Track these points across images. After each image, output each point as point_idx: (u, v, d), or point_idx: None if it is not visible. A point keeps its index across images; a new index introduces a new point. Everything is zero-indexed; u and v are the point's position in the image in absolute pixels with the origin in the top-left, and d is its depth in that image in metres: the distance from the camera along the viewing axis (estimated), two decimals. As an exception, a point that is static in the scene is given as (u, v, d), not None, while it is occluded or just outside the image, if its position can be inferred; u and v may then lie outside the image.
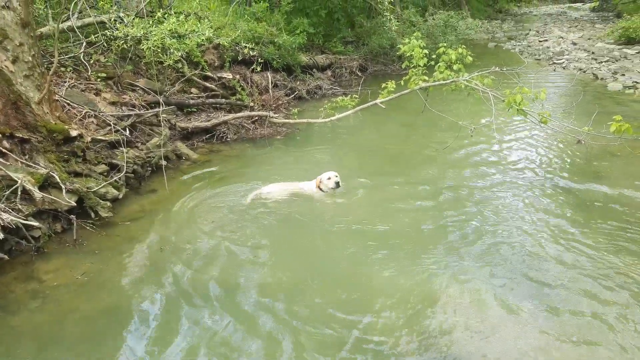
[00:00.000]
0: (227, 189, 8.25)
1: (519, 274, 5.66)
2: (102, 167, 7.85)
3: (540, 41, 27.32)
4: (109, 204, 7.16)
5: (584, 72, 18.72)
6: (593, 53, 21.56)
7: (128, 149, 8.55)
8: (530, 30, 32.25)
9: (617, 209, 7.16)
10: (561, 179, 8.51)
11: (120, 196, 7.52)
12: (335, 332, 4.72)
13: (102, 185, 7.25)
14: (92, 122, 8.67)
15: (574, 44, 25.01)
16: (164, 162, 8.76)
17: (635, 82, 15.82)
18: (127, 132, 9.03)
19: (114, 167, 8.04)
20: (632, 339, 4.55)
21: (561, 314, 4.92)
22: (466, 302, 5.20)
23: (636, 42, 21.75)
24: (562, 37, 27.67)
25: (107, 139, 8.29)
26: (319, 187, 7.46)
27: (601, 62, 19.65)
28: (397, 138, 11.34)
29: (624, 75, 16.98)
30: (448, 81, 8.96)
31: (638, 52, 20.15)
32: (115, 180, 7.63)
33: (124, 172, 7.82)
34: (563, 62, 20.71)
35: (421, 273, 5.71)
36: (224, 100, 12.23)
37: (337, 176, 7.32)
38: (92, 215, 6.95)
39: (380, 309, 5.11)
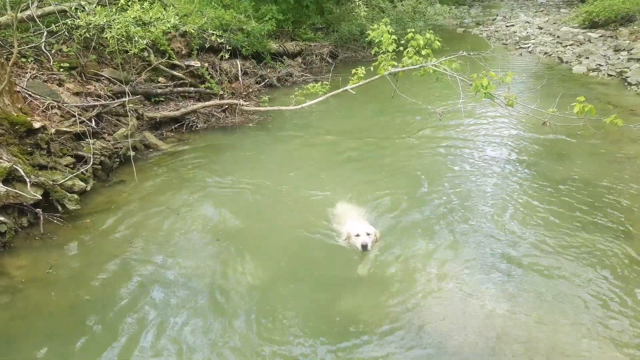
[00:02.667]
0: (197, 179, 8.16)
1: (485, 249, 5.85)
2: (68, 159, 7.67)
3: (507, 26, 27.65)
4: (76, 196, 7.00)
5: (550, 55, 19.08)
6: (558, 37, 21.95)
7: (94, 140, 8.36)
8: (497, 15, 32.62)
9: (580, 188, 7.38)
10: (527, 159, 8.73)
11: (88, 188, 7.37)
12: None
13: (68, 177, 7.08)
14: (56, 113, 8.42)
15: (540, 28, 25.40)
16: (132, 153, 8.60)
17: (599, 64, 16.21)
18: (93, 123, 8.82)
19: (80, 159, 7.86)
20: (592, 310, 4.71)
21: (522, 289, 5.07)
22: (433, 275, 5.40)
23: (599, 25, 22.24)
24: (528, 22, 28.06)
25: (72, 130, 8.09)
26: (347, 238, 5.79)
27: (566, 45, 20.04)
28: (369, 124, 11.38)
29: (587, 58, 17.37)
30: (417, 66, 9.00)
31: (601, 36, 20.60)
32: (82, 173, 7.46)
33: (91, 163, 7.65)
34: (529, 47, 21.04)
35: (390, 250, 5.87)
36: (192, 88, 12.02)
37: (368, 234, 5.55)
38: (59, 208, 6.80)
39: (355, 285, 5.19)
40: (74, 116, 8.44)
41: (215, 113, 11.56)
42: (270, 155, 9.27)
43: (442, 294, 5.09)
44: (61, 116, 8.44)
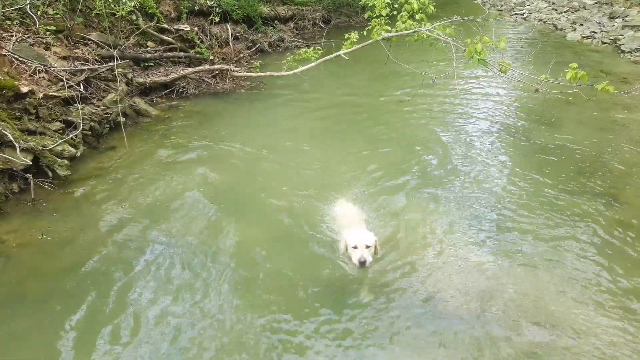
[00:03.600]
0: (188, 145, 8.12)
1: (475, 212, 5.94)
2: (57, 125, 7.57)
3: (502, -9, 27.23)
4: (66, 162, 6.95)
5: (544, 22, 18.90)
6: (553, 3, 21.70)
7: (83, 105, 8.24)
8: (492, -20, 32.07)
9: (569, 154, 7.45)
10: (519, 126, 8.76)
11: (78, 154, 7.31)
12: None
13: (58, 143, 7.01)
14: (43, 77, 8.26)
15: (535, -6, 25.06)
16: (122, 119, 8.51)
17: (593, 32, 16.10)
18: (81, 87, 8.67)
19: (69, 125, 7.76)
20: (575, 269, 4.82)
21: (510, 250, 5.16)
22: (422, 237, 5.50)
23: (594, -8, 21.96)
24: (523, -12, 27.64)
25: (60, 95, 7.96)
26: (343, 251, 4.89)
27: (561, 12, 19.85)
28: (362, 91, 11.30)
29: (582, 25, 17.24)
30: (410, 31, 8.89)
31: (596, 3, 20.38)
32: (71, 138, 7.39)
33: (81, 129, 7.57)
34: (524, 13, 20.82)
35: (384, 209, 6.02)
36: (182, 53, 11.82)
37: (368, 246, 4.59)
38: (50, 174, 6.75)
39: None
40: (62, 80, 8.30)
41: (205, 79, 11.41)
42: (262, 122, 9.21)
43: (430, 255, 5.16)
44: (49, 80, 8.28)
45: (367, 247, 4.55)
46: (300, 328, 4.22)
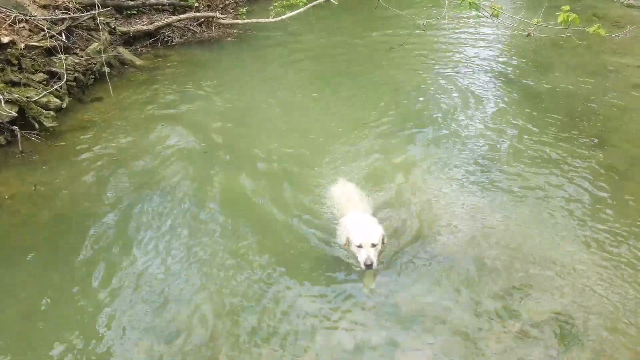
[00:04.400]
0: (176, 95, 8.01)
1: (466, 155, 6.01)
2: (41, 76, 7.40)
3: None
4: (52, 113, 6.84)
5: (537, -36, 18.43)
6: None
7: (66, 55, 8.04)
8: None
9: (559, 99, 7.45)
10: (510, 70, 8.71)
11: (64, 105, 7.19)
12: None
13: (42, 94, 6.88)
14: (24, 27, 8.02)
15: None
16: (107, 69, 8.32)
17: (586, -26, 15.75)
18: (63, 37, 8.44)
19: (53, 76, 7.59)
20: (563, 210, 4.92)
21: (501, 193, 5.25)
22: (415, 179, 5.57)
23: None
24: None
25: (42, 45, 7.75)
26: (345, 247, 4.26)
27: (554, -46, 19.32)
28: (352, 36, 11.09)
29: (575, -33, 16.84)
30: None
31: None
32: (56, 89, 7.25)
33: (65, 80, 7.41)
34: (517, -45, 20.25)
35: (376, 153, 6.11)
36: (166, 0, 11.45)
37: (374, 244, 3.97)
38: (36, 126, 6.65)
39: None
40: (43, 30, 8.06)
41: (191, 27, 11.13)
42: (250, 71, 9.07)
43: (422, 197, 5.22)
44: (30, 30, 8.04)
45: (374, 245, 3.93)
46: (291, 274, 4.28)
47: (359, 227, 4.03)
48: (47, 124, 6.68)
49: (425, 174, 5.67)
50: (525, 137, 6.37)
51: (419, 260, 4.33)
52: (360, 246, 3.93)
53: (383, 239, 4.09)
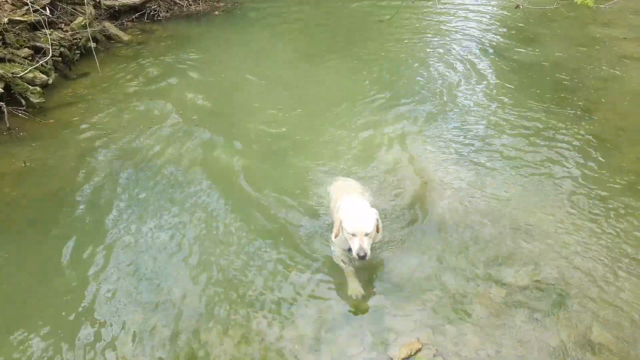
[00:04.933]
0: (164, 69, 7.94)
1: (459, 129, 6.05)
2: (26, 51, 7.30)
3: None
4: (38, 89, 6.77)
5: None
6: None
7: (51, 30, 7.92)
8: None
9: (547, 71, 7.50)
10: (499, 42, 8.73)
11: (50, 81, 7.11)
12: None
13: (28, 70, 6.79)
14: (6, 1, 7.87)
15: None
16: (92, 44, 8.22)
17: (576, -55, 15.64)
18: (47, 11, 8.29)
19: (38, 51, 7.49)
20: (550, 178, 5.01)
21: (488, 164, 5.33)
22: (403, 151, 5.64)
23: None
24: None
25: (26, 19, 7.62)
26: (337, 233, 3.87)
27: None
28: (339, 10, 10.99)
29: (565, -62, 16.71)
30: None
31: None
32: (42, 65, 7.15)
33: (50, 55, 7.31)
34: None
35: (366, 126, 6.15)
36: (151, -26, 11.23)
37: (367, 233, 3.61)
38: (23, 102, 6.59)
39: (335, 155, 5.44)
40: (27, 4, 7.90)
41: (177, 1, 10.95)
42: (239, 45, 8.98)
43: (413, 169, 5.28)
44: (12, 4, 7.89)
45: (367, 234, 3.60)
46: (280, 246, 4.33)
47: (353, 213, 3.71)
48: (34, 100, 6.62)
49: (414, 147, 5.72)
50: (513, 108, 6.43)
51: (409, 229, 4.42)
52: (353, 234, 3.61)
53: (378, 225, 3.73)
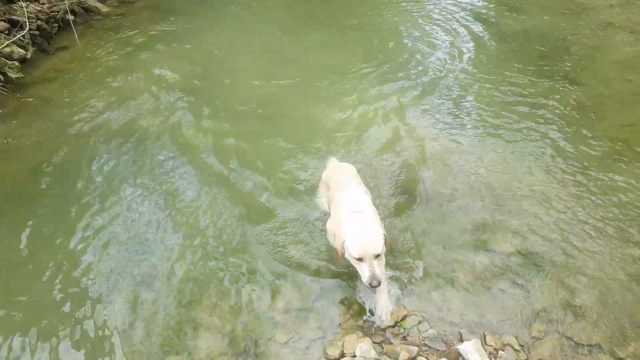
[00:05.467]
0: (145, 40, 7.77)
1: (445, 98, 6.06)
2: (2, 25, 7.08)
3: None
4: (17, 64, 6.61)
5: None
6: None
7: (27, 3, 7.68)
8: None
9: (533, 39, 7.47)
10: (486, 11, 8.66)
11: (29, 55, 6.93)
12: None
13: (5, 44, 6.61)
14: (-22, -27, 7.60)
15: None
16: (71, 17, 8.00)
17: None
18: (22, -17, 8.02)
19: (15, 25, 7.27)
20: (533, 144, 5.05)
21: (473, 131, 5.36)
22: (392, 116, 5.67)
23: None
24: None
25: (-1, -9, 7.37)
26: (341, 253, 3.20)
27: None
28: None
29: None
30: None
31: None
32: (19, 39, 6.96)
33: (27, 29, 7.12)
34: None
35: (356, 96, 6.14)
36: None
37: (377, 255, 3.02)
38: (1, 77, 6.42)
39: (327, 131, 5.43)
40: (0, -25, 7.64)
41: (157, -29, 10.64)
42: (223, 16, 8.80)
43: (401, 134, 5.31)
44: (-16, -24, 7.62)
45: (377, 256, 3.00)
46: (265, 220, 4.35)
47: (357, 233, 3.08)
48: (12, 75, 6.46)
49: (401, 116, 5.71)
50: (498, 77, 6.43)
51: (394, 197, 4.45)
52: (360, 259, 3.01)
53: (386, 240, 3.12)
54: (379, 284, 2.95)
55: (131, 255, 3.98)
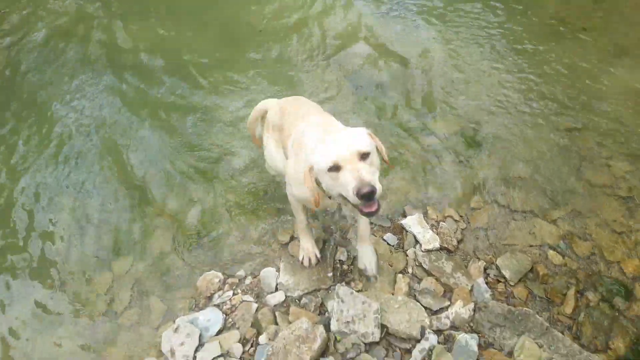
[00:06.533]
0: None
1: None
2: None
3: None
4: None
5: None
6: None
7: None
8: None
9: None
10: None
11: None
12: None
13: None
14: None
15: None
16: None
17: None
18: None
19: None
20: (479, 36, 5.03)
21: (412, 14, 5.32)
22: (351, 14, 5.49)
23: None
24: None
25: None
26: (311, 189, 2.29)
27: None
28: None
29: None
30: None
31: None
32: None
33: None
34: None
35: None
36: None
37: (363, 154, 2.09)
38: None
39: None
40: None
41: None
42: None
43: (361, 29, 5.24)
44: None
45: (364, 156, 2.10)
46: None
47: (329, 138, 2.23)
48: None
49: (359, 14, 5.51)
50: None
51: (352, 87, 4.49)
52: (337, 167, 2.09)
53: (379, 147, 2.29)
54: (373, 190, 1.98)
55: (71, 165, 3.94)
